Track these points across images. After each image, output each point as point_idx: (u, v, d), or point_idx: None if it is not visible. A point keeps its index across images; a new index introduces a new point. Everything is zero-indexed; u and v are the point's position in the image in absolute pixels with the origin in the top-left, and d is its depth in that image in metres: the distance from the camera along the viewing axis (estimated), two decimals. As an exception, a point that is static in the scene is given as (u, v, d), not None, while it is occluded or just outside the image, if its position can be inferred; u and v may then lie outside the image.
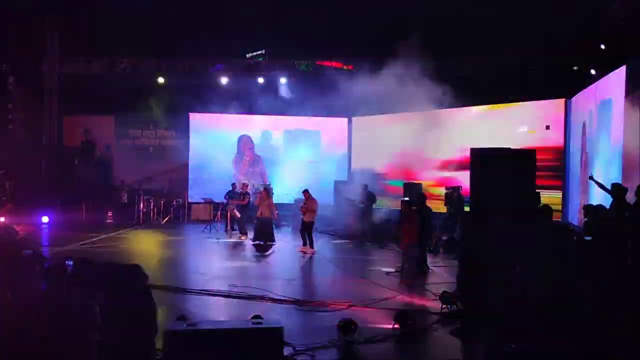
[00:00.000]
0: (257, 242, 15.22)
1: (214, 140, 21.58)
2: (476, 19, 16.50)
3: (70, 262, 5.46)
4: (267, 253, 14.30)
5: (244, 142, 21.99)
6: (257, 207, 15.55)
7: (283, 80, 21.34)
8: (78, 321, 4.67)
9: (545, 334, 6.82)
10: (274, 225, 15.87)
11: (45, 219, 18.06)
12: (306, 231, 14.49)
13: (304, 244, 14.47)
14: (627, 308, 6.49)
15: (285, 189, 19.46)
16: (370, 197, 16.66)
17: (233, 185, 18.13)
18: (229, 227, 16.63)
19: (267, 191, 15.87)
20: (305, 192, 15.02)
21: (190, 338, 5.37)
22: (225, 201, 17.58)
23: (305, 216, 14.55)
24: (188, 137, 21.52)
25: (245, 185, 17.67)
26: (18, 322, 4.48)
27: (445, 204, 15.81)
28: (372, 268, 12.51)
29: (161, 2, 18.68)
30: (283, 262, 13.13)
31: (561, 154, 16.09)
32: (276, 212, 16.09)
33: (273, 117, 21.97)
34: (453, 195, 15.45)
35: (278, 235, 15.97)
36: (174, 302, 8.81)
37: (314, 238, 14.54)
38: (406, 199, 12.28)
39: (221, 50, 21.17)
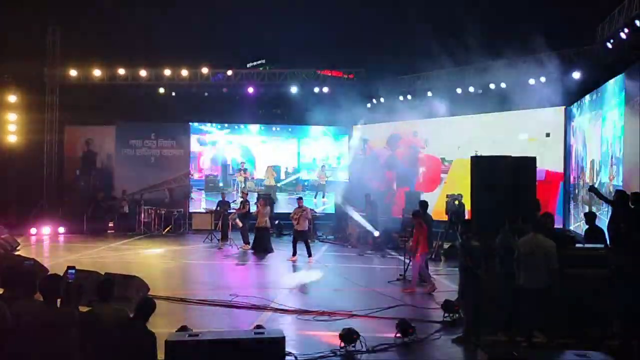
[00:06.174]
0: (256, 251, 15.18)
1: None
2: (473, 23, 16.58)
3: (73, 271, 5.42)
4: (267, 262, 14.26)
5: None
6: (257, 217, 15.52)
7: None
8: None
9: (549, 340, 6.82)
10: (272, 234, 15.76)
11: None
12: (303, 241, 14.22)
13: (294, 254, 14.23)
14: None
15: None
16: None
17: (222, 194, 18.08)
18: (230, 237, 16.56)
19: (265, 200, 15.74)
20: (300, 199, 14.90)
21: (192, 349, 5.35)
22: (218, 209, 17.45)
23: (299, 225, 14.21)
24: (189, 147, 21.54)
25: (245, 194, 17.59)
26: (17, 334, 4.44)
27: (446, 212, 15.79)
28: (374, 277, 12.49)
29: (162, 13, 18.80)
30: (284, 272, 13.10)
31: (561, 161, 16.09)
32: (268, 221, 15.92)
33: (274, 126, 22.07)
34: (454, 203, 15.42)
35: (280, 245, 15.94)
36: (176, 313, 8.81)
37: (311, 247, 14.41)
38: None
39: (222, 59, 21.25)
